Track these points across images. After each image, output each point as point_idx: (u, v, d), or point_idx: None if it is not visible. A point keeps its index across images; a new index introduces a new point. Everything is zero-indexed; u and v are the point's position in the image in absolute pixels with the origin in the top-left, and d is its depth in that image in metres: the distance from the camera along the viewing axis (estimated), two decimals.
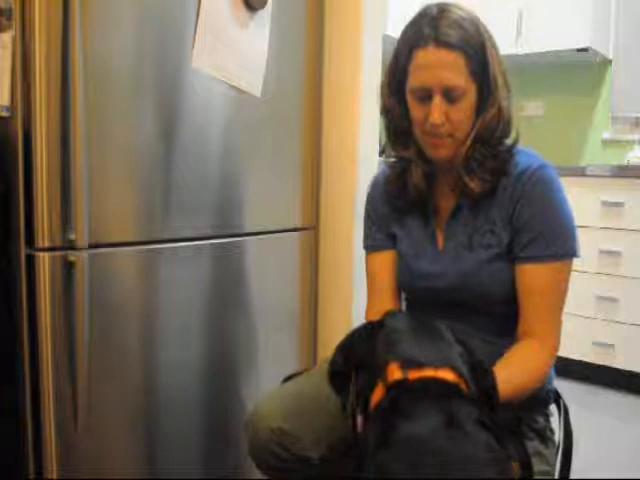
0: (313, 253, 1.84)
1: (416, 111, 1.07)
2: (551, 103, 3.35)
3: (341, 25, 1.77)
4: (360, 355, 0.90)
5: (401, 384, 0.78)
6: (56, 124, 1.16)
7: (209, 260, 1.50)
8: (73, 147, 1.17)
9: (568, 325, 2.82)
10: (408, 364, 0.80)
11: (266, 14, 1.55)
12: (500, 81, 1.06)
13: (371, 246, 1.25)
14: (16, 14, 1.14)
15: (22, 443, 1.20)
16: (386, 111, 1.15)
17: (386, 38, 1.88)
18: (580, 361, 2.69)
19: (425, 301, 1.17)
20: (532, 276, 1.06)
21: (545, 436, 1.10)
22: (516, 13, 3.05)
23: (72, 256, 1.19)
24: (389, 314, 0.96)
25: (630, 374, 2.61)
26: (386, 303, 1.20)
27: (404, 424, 0.73)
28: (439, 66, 1.02)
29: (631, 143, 3.13)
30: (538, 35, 3.02)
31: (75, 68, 1.15)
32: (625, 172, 2.63)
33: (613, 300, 2.63)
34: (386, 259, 1.22)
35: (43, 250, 1.17)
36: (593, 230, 2.64)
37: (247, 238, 1.59)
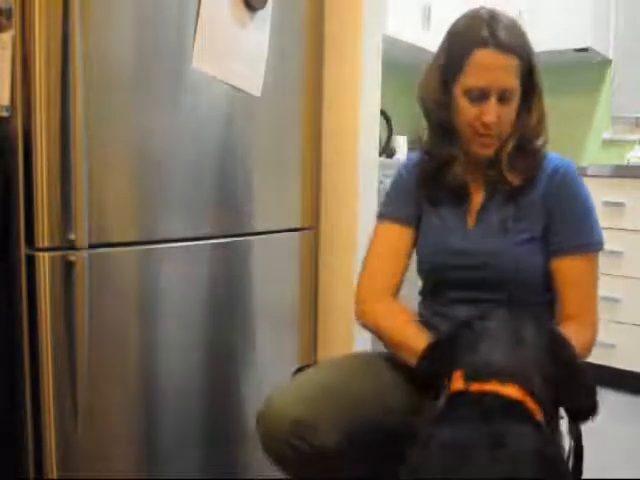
0: (313, 253, 1.83)
1: (468, 110, 1.11)
2: (551, 103, 3.34)
3: (341, 25, 1.76)
4: (445, 362, 0.89)
5: (461, 395, 0.76)
6: (56, 124, 1.16)
7: (209, 260, 1.50)
8: (73, 147, 1.17)
9: None
10: (473, 375, 0.78)
11: (266, 14, 1.55)
12: (542, 85, 1.16)
13: (392, 216, 1.25)
14: (16, 14, 1.14)
15: (22, 443, 1.20)
16: (430, 107, 1.18)
17: (386, 38, 1.88)
18: None
19: (453, 285, 1.18)
20: (571, 268, 1.12)
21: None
22: (516, 13, 3.05)
23: (72, 256, 1.19)
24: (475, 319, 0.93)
25: (630, 374, 2.61)
26: (386, 269, 1.23)
27: (443, 433, 0.71)
28: (499, 68, 1.07)
29: (631, 143, 3.12)
30: (538, 35, 3.00)
31: (75, 68, 1.15)
32: (625, 172, 2.63)
33: (614, 300, 2.62)
34: (405, 234, 1.23)
35: (43, 250, 1.17)
36: None
37: (247, 238, 1.59)
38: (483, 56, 1.07)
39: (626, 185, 2.57)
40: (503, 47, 1.06)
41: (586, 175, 2.67)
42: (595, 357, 2.87)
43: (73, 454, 1.23)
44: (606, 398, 2.58)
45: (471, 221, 1.18)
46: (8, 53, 1.16)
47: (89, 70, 1.19)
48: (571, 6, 2.92)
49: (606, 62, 3.18)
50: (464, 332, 0.90)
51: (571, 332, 1.05)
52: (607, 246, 2.77)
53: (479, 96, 1.08)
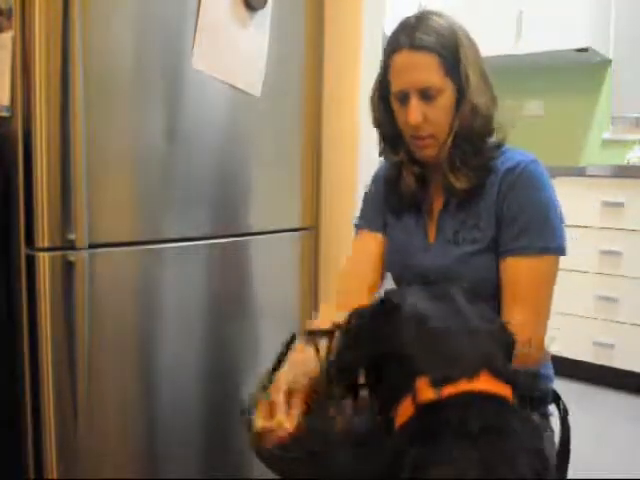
0: (313, 253, 1.84)
1: (399, 114, 1.12)
2: (551, 103, 3.35)
3: (341, 25, 1.77)
4: (373, 345, 0.81)
5: (435, 405, 0.71)
6: (56, 124, 1.16)
7: (209, 260, 1.50)
8: (73, 147, 1.17)
9: (568, 325, 2.81)
10: (441, 379, 0.72)
11: (266, 14, 1.55)
12: (474, 79, 1.08)
13: (365, 224, 1.28)
14: (16, 14, 1.14)
15: (22, 443, 1.20)
16: (377, 121, 1.20)
17: (386, 38, 1.88)
18: (580, 361, 2.69)
19: None
20: (514, 269, 1.07)
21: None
22: (516, 13, 3.05)
23: (72, 256, 1.19)
24: (395, 294, 0.85)
25: (630, 374, 2.61)
26: (366, 276, 1.24)
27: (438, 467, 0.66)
28: (413, 68, 1.07)
29: (631, 143, 3.12)
30: (538, 35, 3.02)
31: (75, 68, 1.15)
32: (625, 172, 2.63)
33: (613, 300, 2.62)
34: (376, 240, 1.25)
35: (43, 250, 1.17)
36: (593, 230, 2.63)
37: (247, 238, 1.59)
38: (398, 59, 1.08)
39: (626, 185, 2.57)
40: (417, 46, 1.05)
41: (585, 175, 2.68)
42: (595, 357, 2.89)
43: (73, 454, 1.23)
44: (606, 398, 2.58)
45: (432, 232, 1.17)
46: (8, 53, 1.16)
47: (89, 70, 1.19)
48: (571, 6, 2.92)
49: (606, 62, 3.18)
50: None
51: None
52: (606, 246, 2.78)
53: (402, 98, 1.09)
